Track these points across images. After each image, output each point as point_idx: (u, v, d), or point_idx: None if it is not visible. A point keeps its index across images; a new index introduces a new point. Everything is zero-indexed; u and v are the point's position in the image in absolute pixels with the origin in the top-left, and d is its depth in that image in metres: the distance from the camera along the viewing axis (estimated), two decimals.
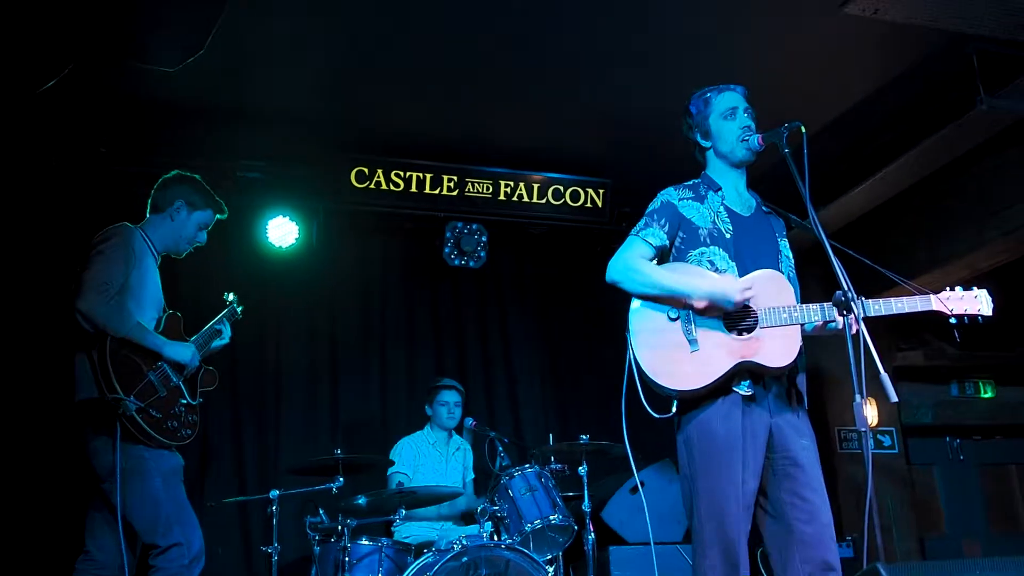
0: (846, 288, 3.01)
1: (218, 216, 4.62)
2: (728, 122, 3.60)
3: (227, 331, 4.61)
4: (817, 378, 7.64)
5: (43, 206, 6.32)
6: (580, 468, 5.48)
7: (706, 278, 3.39)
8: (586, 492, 5.44)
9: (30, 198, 6.28)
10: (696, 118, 3.70)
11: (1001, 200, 6.41)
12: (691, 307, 3.38)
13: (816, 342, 3.63)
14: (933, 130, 5.98)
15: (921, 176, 6.59)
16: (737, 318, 3.38)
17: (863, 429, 2.78)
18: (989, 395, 9.47)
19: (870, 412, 8.30)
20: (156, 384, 4.06)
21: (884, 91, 5.92)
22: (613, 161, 7.03)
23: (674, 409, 3.38)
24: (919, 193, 6.83)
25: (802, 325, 3.39)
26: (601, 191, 7.19)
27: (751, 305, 3.37)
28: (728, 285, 3.33)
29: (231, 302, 4.86)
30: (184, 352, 4.21)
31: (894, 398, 2.79)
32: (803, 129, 3.27)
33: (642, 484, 6.56)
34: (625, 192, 7.33)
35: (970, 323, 3.44)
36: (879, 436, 8.50)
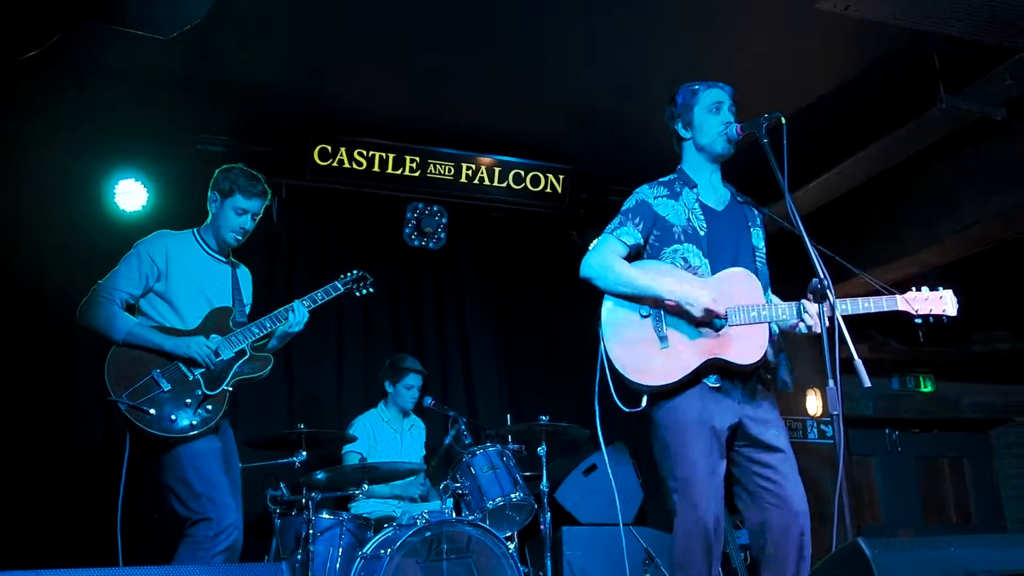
0: (822, 276, 3.09)
1: (255, 200, 4.51)
2: (712, 116, 3.66)
3: (295, 316, 4.52)
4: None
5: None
6: (539, 449, 5.53)
7: (680, 281, 3.44)
8: (544, 473, 5.50)
9: None
10: (680, 108, 3.73)
11: (955, 198, 6.54)
12: (662, 306, 3.46)
13: None
14: (892, 127, 6.10)
15: (877, 172, 6.72)
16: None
17: (835, 412, 2.88)
18: (928, 389, 9.69)
19: (816, 403, 8.49)
20: (159, 380, 4.13)
21: (846, 87, 6.03)
22: (573, 148, 7.10)
23: (643, 404, 3.42)
24: (873, 189, 6.97)
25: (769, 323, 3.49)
26: (561, 177, 7.26)
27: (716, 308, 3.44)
28: (698, 294, 3.37)
29: (343, 279, 5.04)
30: (187, 346, 4.20)
31: (867, 383, 2.88)
32: (783, 120, 3.34)
33: (594, 467, 6.71)
34: (584, 179, 7.41)
35: (935, 323, 3.54)
36: (822, 427, 8.69)
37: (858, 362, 2.88)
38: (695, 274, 3.51)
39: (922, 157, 6.51)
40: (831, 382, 2.91)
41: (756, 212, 3.80)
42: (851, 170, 6.65)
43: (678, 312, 3.44)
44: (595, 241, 3.65)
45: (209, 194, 4.55)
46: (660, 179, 3.72)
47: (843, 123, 6.46)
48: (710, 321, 3.40)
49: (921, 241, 6.88)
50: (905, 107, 5.99)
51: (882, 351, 9.09)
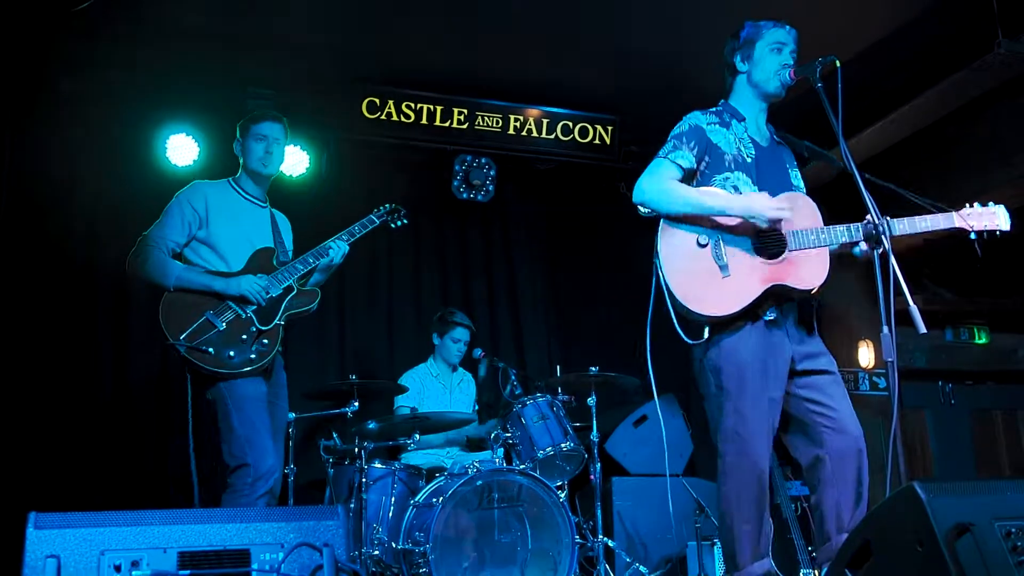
0: (876, 220, 3.05)
1: (269, 123, 4.70)
2: (773, 55, 3.64)
3: (336, 249, 4.72)
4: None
5: (53, 134, 6.32)
6: (589, 399, 5.56)
7: (739, 196, 3.44)
8: (595, 423, 5.53)
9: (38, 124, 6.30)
10: (743, 41, 3.71)
11: (1011, 145, 6.39)
12: (722, 226, 3.42)
13: None
14: (948, 73, 5.95)
15: (932, 120, 6.58)
16: (766, 241, 3.43)
17: (890, 359, 2.85)
18: (983, 341, 9.53)
19: (868, 355, 8.41)
20: (214, 321, 4.25)
21: (902, 32, 5.89)
22: (622, 98, 7.03)
23: (706, 335, 3.39)
24: (927, 136, 6.82)
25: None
26: (610, 128, 7.21)
27: (780, 228, 3.42)
28: (762, 202, 3.37)
29: (377, 212, 5.16)
30: (237, 285, 4.33)
31: (923, 329, 2.86)
32: (838, 63, 3.29)
33: (644, 418, 6.72)
34: (632, 130, 7.34)
35: (989, 238, 3.51)
36: (874, 379, 8.61)
37: (913, 308, 2.85)
38: None
39: (978, 104, 6.36)
40: (885, 328, 2.88)
41: (792, 152, 3.80)
42: (905, 118, 6.50)
43: (740, 230, 3.42)
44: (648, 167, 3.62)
45: (234, 143, 4.75)
46: (709, 109, 3.72)
47: (897, 69, 6.30)
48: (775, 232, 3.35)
49: (975, 190, 6.70)
50: (961, 52, 5.82)
51: (936, 302, 8.96)
